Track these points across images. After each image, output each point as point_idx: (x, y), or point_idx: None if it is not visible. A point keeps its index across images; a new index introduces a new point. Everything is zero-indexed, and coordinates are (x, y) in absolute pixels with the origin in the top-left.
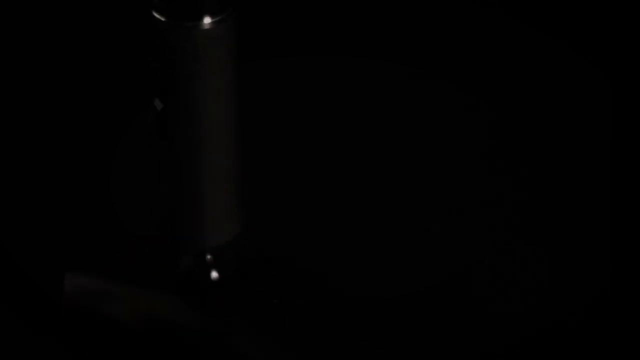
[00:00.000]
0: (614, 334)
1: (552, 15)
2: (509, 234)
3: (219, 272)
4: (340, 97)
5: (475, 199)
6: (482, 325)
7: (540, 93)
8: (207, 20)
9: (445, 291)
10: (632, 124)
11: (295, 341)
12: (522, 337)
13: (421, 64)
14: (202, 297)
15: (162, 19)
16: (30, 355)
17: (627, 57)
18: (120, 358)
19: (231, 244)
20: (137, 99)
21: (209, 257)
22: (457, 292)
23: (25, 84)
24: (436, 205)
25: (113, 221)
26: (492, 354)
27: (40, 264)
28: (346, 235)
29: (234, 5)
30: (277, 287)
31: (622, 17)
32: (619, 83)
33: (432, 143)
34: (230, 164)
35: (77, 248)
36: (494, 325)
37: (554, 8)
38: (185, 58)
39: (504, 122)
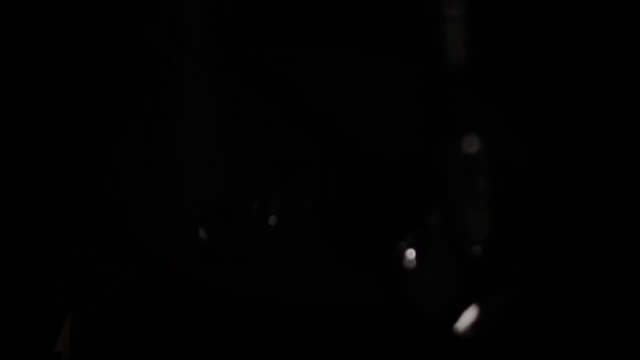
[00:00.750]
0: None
1: (554, 13)
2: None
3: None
4: (336, 94)
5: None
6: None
7: (542, 93)
8: None
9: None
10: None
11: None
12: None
13: (418, 61)
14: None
15: None
16: (30, 356)
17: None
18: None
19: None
20: (137, 99)
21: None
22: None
23: (25, 84)
24: (432, 207)
25: (113, 220)
26: None
27: (40, 264)
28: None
29: None
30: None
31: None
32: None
33: (429, 142)
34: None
35: (77, 248)
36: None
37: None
38: (173, 26)
39: (504, 122)
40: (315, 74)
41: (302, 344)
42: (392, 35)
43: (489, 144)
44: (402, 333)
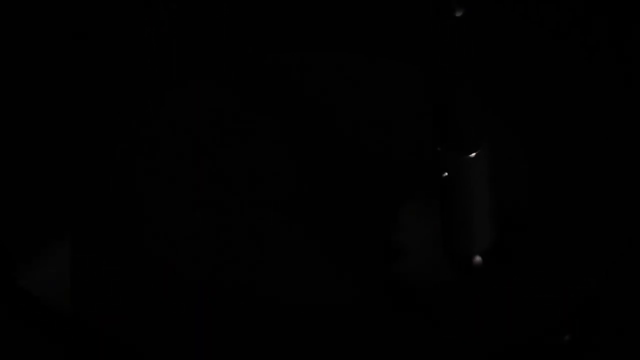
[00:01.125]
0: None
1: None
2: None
3: None
4: (336, 94)
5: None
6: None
7: (543, 93)
8: None
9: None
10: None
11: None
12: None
13: (419, 62)
14: None
15: None
16: (30, 356)
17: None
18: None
19: None
20: (137, 99)
21: None
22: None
23: (25, 83)
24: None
25: (113, 220)
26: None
27: (40, 264)
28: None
29: None
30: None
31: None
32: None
33: (428, 142)
34: None
35: (77, 248)
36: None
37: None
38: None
39: (505, 123)
40: (315, 74)
41: (301, 344)
42: (393, 35)
43: (490, 144)
44: (397, 333)
